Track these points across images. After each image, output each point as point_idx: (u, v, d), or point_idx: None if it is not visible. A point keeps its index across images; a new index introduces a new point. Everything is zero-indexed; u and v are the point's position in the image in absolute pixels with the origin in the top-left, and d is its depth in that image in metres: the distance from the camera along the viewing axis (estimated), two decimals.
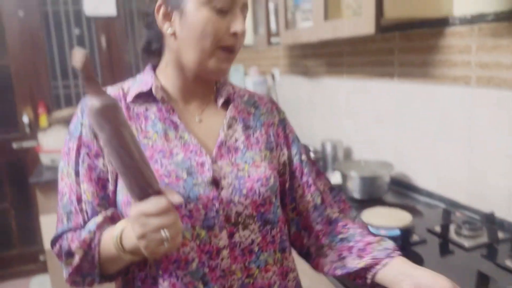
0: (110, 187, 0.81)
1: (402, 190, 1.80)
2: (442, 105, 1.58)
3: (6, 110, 3.04)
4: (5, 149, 3.05)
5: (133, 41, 3.26)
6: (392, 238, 1.30)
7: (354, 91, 2.11)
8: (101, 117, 0.64)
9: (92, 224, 0.78)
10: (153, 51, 0.87)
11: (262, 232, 0.84)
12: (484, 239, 1.29)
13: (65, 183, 0.81)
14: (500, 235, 1.29)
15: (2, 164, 3.06)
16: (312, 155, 2.34)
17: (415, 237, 1.33)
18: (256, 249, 0.83)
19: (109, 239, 0.74)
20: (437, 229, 1.37)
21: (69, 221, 0.80)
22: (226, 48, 0.81)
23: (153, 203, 0.65)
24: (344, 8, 1.65)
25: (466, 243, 1.27)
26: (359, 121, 2.10)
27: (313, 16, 1.79)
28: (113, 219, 0.79)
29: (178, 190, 0.76)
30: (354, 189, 1.72)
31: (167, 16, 0.81)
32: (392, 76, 1.83)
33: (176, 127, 0.83)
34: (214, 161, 0.82)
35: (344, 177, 1.75)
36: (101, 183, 0.81)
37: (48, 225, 2.44)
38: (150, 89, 0.84)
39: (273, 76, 3.03)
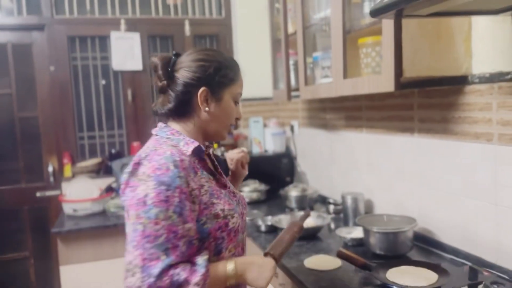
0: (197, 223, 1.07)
1: (426, 247, 1.77)
2: (465, 162, 1.58)
3: (33, 160, 3.13)
4: (29, 197, 3.11)
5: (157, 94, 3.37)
6: None
7: (374, 145, 2.13)
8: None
9: (202, 260, 1.02)
10: (176, 115, 1.17)
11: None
12: None
13: (162, 226, 0.98)
14: None
15: (25, 212, 3.11)
16: (332, 207, 2.33)
17: None
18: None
19: (218, 275, 1.06)
20: None
21: (168, 256, 0.98)
22: (231, 124, 1.23)
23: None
24: (363, 67, 1.70)
25: None
26: (380, 175, 2.10)
27: (332, 73, 1.85)
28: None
29: (238, 212, 1.17)
30: (377, 244, 1.69)
31: (206, 99, 1.15)
32: (412, 131, 1.85)
33: (213, 171, 1.20)
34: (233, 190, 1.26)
35: (367, 231, 1.73)
36: (195, 220, 1.05)
37: (68, 275, 2.44)
38: (199, 146, 1.13)
39: (292, 128, 3.08)
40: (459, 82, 1.56)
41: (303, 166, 2.97)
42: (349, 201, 2.13)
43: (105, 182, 2.91)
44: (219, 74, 1.15)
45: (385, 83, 1.48)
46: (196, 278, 0.99)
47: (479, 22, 1.47)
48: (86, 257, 2.48)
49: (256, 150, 3.18)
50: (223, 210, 1.11)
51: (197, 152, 1.13)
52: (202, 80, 1.14)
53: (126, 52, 3.15)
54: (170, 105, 1.15)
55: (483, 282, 1.32)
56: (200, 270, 1.00)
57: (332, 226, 2.17)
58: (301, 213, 2.05)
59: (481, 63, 1.48)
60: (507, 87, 1.38)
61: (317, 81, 2.12)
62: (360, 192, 2.19)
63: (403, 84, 1.47)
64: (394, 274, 1.34)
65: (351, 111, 2.31)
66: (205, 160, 1.18)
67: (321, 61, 2.06)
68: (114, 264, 2.51)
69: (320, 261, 1.66)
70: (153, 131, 1.18)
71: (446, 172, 1.67)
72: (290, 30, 2.34)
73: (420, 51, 1.46)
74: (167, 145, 1.09)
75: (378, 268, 1.39)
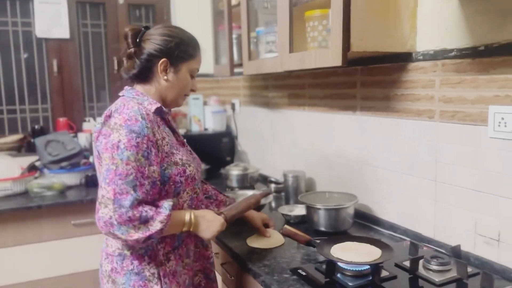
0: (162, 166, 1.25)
1: (365, 223, 1.79)
2: (407, 139, 1.59)
3: None
4: None
5: (87, 64, 3.12)
6: (363, 275, 1.27)
7: (316, 123, 2.11)
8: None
9: (168, 205, 1.19)
10: (140, 79, 1.34)
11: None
12: (453, 273, 1.28)
13: (132, 166, 1.14)
14: (468, 269, 1.28)
15: None
16: (273, 186, 2.30)
17: (384, 273, 1.30)
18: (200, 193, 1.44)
19: (177, 220, 1.25)
20: (406, 264, 1.35)
21: (136, 191, 1.14)
22: (185, 95, 1.40)
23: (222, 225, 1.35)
24: (309, 41, 1.65)
25: (436, 278, 1.25)
26: (321, 153, 2.09)
27: (278, 48, 1.78)
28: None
29: (196, 167, 1.36)
30: (319, 221, 1.68)
31: (165, 69, 1.32)
32: (354, 109, 1.85)
33: (173, 130, 1.39)
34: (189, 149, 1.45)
35: (309, 209, 1.71)
36: (159, 164, 1.23)
37: None
38: (161, 106, 1.32)
39: (233, 106, 3.00)
40: (404, 59, 1.56)
41: (244, 145, 2.91)
42: (290, 180, 2.11)
43: (27, 160, 2.66)
44: (180, 49, 1.32)
45: (333, 58, 1.44)
46: (161, 217, 1.16)
47: (424, 0, 1.47)
48: (7, 241, 2.26)
49: (196, 128, 3.06)
50: (181, 159, 1.29)
51: (159, 112, 1.30)
52: (164, 52, 1.30)
53: (52, 18, 2.86)
54: (134, 71, 1.32)
55: (424, 256, 1.34)
56: (165, 212, 1.17)
57: (273, 204, 2.14)
58: (249, 192, 2.03)
59: (425, 40, 1.49)
60: (450, 64, 1.40)
61: (261, 56, 2.05)
62: (301, 170, 2.17)
63: (350, 59, 1.43)
64: (338, 250, 1.33)
65: (294, 89, 2.27)
66: (166, 119, 1.36)
67: (265, 36, 1.99)
68: (39, 249, 2.31)
69: (263, 239, 1.62)
70: (120, 93, 1.35)
71: (387, 149, 1.69)
72: (234, 1, 2.24)
73: (368, 26, 1.43)
74: (134, 102, 1.25)
75: (322, 245, 1.37)
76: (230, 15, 2.19)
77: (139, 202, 1.14)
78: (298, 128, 2.27)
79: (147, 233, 1.13)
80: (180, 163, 1.28)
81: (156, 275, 1.25)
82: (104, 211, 1.11)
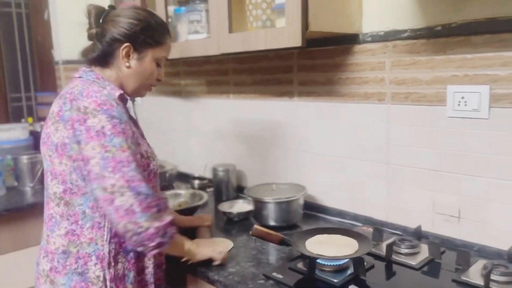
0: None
1: (312, 213, 1.72)
2: (354, 123, 1.56)
3: None
4: None
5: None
6: (342, 269, 1.20)
7: (245, 112, 1.97)
8: None
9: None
10: (100, 63, 1.20)
11: None
12: (424, 254, 1.28)
13: (129, 153, 1.06)
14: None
15: None
16: (197, 183, 2.11)
17: None
18: None
19: (179, 241, 1.25)
20: (376, 251, 1.31)
21: (143, 181, 1.06)
22: (150, 85, 1.27)
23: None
24: (251, 20, 1.51)
25: (413, 262, 1.24)
26: (252, 143, 1.97)
27: (211, 28, 1.59)
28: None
29: (155, 162, 1.24)
30: (269, 215, 1.56)
31: (128, 55, 1.18)
32: (291, 95, 1.76)
33: (134, 121, 1.26)
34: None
35: (258, 203, 1.58)
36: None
37: None
38: (123, 93, 1.18)
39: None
40: (349, 41, 1.52)
41: (149, 140, 2.61)
42: (220, 174, 1.94)
43: None
44: (145, 34, 1.18)
45: (289, 38, 1.32)
46: (168, 214, 1.12)
47: None
48: None
49: None
50: (146, 151, 1.19)
51: (121, 99, 1.16)
52: (127, 37, 1.17)
53: None
54: (94, 54, 1.19)
55: (394, 240, 1.33)
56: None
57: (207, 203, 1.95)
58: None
59: (373, 21, 1.46)
60: (402, 46, 1.39)
61: (182, 37, 1.83)
62: (231, 163, 2.02)
63: (307, 39, 1.33)
64: (314, 246, 1.23)
65: (215, 75, 2.10)
66: (127, 108, 1.21)
67: (188, 15, 1.77)
68: None
69: (211, 246, 1.43)
70: (76, 74, 1.20)
71: (331, 135, 1.64)
72: None
73: (323, 5, 1.34)
74: (96, 85, 1.13)
75: (297, 242, 1.25)
76: None
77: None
78: (222, 117, 2.11)
79: (164, 223, 1.08)
80: (145, 156, 1.18)
81: (101, 278, 1.12)
82: (123, 199, 1.03)
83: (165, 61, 1.28)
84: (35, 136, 2.39)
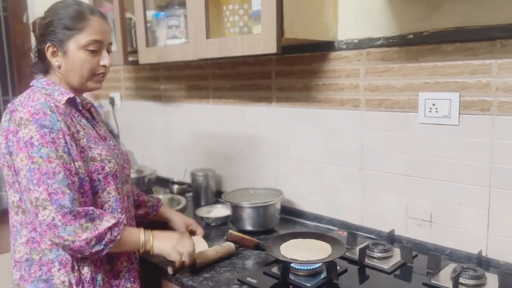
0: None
1: (289, 217, 1.74)
2: (330, 129, 1.58)
3: None
4: None
5: None
6: (315, 273, 1.21)
7: (224, 117, 1.98)
8: None
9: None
10: (42, 71, 1.21)
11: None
12: (397, 258, 1.30)
13: (57, 164, 1.04)
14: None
15: None
16: (176, 188, 2.10)
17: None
18: (130, 194, 1.34)
19: (131, 238, 1.16)
20: (349, 255, 1.33)
21: (71, 191, 1.05)
22: (98, 74, 1.21)
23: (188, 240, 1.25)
24: (228, 26, 1.51)
25: (385, 265, 1.26)
26: (232, 147, 1.97)
27: (189, 33, 1.60)
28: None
29: (116, 160, 1.22)
30: (247, 220, 1.57)
31: (54, 53, 1.16)
32: (270, 100, 1.77)
33: (92, 123, 1.25)
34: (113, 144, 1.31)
35: (235, 208, 1.58)
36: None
37: None
38: (74, 97, 1.18)
39: (111, 101, 2.66)
40: (325, 48, 1.54)
41: (128, 144, 2.61)
42: (200, 179, 1.94)
43: None
44: (58, 26, 1.15)
45: (265, 45, 1.33)
46: (109, 217, 1.11)
47: None
48: None
49: None
50: (100, 154, 1.17)
51: (72, 103, 1.18)
52: (45, 36, 1.16)
53: None
54: (33, 62, 1.22)
55: (368, 245, 1.34)
56: (116, 216, 1.16)
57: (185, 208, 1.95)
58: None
59: (348, 29, 1.48)
60: (376, 53, 1.42)
61: (161, 42, 1.83)
62: (210, 168, 2.02)
63: (284, 46, 1.35)
64: (288, 250, 1.24)
65: (195, 80, 2.10)
66: (82, 111, 1.22)
67: (166, 19, 1.77)
68: None
69: None
70: (31, 83, 1.20)
71: (308, 140, 1.66)
72: None
73: (299, 12, 1.36)
74: (41, 93, 1.12)
75: (271, 247, 1.26)
76: None
77: (79, 202, 1.06)
78: (201, 122, 2.11)
79: (96, 232, 1.05)
80: (99, 159, 1.16)
81: (66, 283, 1.12)
82: (45, 213, 1.02)
83: (109, 45, 1.23)
84: None
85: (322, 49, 1.54)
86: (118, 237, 1.10)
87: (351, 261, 1.31)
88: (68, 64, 1.16)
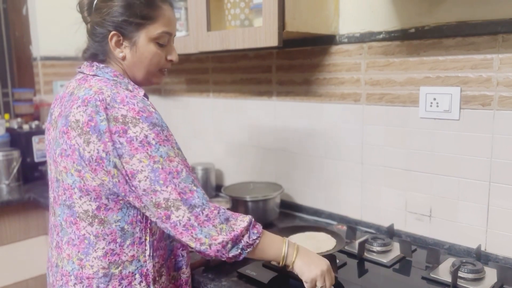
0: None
1: (288, 211, 1.74)
2: (330, 123, 1.58)
3: None
4: None
5: None
6: None
7: (224, 111, 1.98)
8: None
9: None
10: (99, 60, 1.07)
11: None
12: (396, 252, 1.31)
13: (177, 162, 0.96)
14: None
15: None
16: None
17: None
18: None
19: (273, 246, 1.04)
20: (349, 249, 1.33)
21: (197, 187, 0.97)
22: (163, 69, 1.11)
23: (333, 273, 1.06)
24: (230, 19, 1.51)
25: (384, 259, 1.26)
26: (231, 142, 1.97)
27: (190, 25, 1.59)
28: None
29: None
30: (247, 214, 1.56)
31: (119, 43, 1.04)
32: (270, 94, 1.77)
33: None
34: None
35: (236, 201, 1.58)
36: None
37: None
38: (145, 93, 1.06)
39: None
40: (326, 42, 1.54)
41: None
42: (200, 173, 1.95)
43: None
44: (129, 13, 1.01)
45: (266, 38, 1.33)
46: (244, 217, 1.01)
47: None
48: None
49: None
50: (179, 149, 1.06)
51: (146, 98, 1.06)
52: (111, 24, 1.02)
53: None
54: (89, 52, 1.07)
55: (367, 238, 1.35)
56: (249, 217, 1.02)
57: None
58: None
59: (349, 22, 1.48)
60: (377, 47, 1.41)
61: None
62: (210, 162, 2.02)
63: (284, 40, 1.34)
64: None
65: (195, 74, 2.10)
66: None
67: None
68: None
69: None
70: (86, 70, 1.06)
71: (309, 134, 1.66)
72: None
73: (300, 5, 1.36)
74: (122, 87, 1.01)
75: None
76: None
77: (207, 198, 0.98)
78: (201, 116, 2.11)
79: (232, 234, 0.96)
80: (180, 153, 1.07)
81: None
82: (179, 214, 0.94)
83: (174, 37, 1.11)
84: (12, 133, 2.34)
85: (323, 42, 1.54)
86: (257, 241, 1.00)
87: (350, 254, 1.31)
88: (136, 56, 1.04)
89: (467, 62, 1.23)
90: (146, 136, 0.94)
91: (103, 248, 1.00)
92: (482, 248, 1.26)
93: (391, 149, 1.43)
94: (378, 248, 1.31)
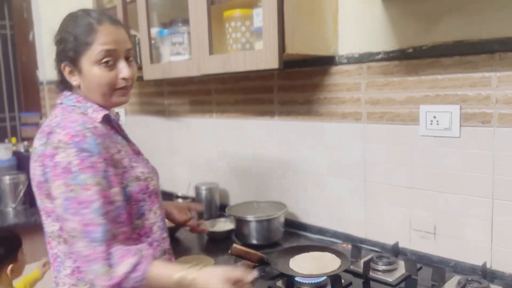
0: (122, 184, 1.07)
1: (293, 230, 1.74)
2: (332, 142, 1.59)
3: None
4: None
5: None
6: (320, 286, 1.21)
7: (227, 131, 2.00)
8: None
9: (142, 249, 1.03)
10: (65, 88, 1.14)
11: None
12: (401, 271, 1.30)
13: (93, 192, 0.97)
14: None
15: None
16: (180, 201, 2.11)
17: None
18: None
19: (163, 274, 1.00)
20: (354, 268, 1.33)
21: (105, 220, 0.98)
22: (121, 88, 1.10)
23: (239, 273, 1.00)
24: (231, 43, 1.54)
25: (389, 278, 1.26)
26: (236, 161, 1.99)
27: (192, 49, 1.62)
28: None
29: (155, 181, 1.17)
30: (251, 234, 1.58)
31: (72, 73, 1.09)
32: (272, 114, 1.79)
33: (127, 138, 1.20)
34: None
35: (239, 221, 1.59)
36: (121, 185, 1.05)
37: None
38: (108, 114, 1.10)
39: (116, 116, 2.68)
40: (326, 63, 1.56)
41: None
42: (204, 193, 1.96)
43: None
44: (69, 44, 1.07)
45: (267, 60, 1.35)
46: (132, 258, 0.99)
47: (346, 3, 1.49)
48: None
49: None
50: (143, 172, 1.12)
51: (107, 119, 1.10)
52: (61, 56, 1.10)
53: None
54: (60, 83, 1.14)
55: (372, 257, 1.35)
56: (146, 251, 1.03)
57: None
58: None
59: (348, 43, 1.50)
60: (376, 67, 1.44)
61: (164, 59, 1.86)
62: (214, 182, 2.03)
63: (285, 61, 1.37)
64: (293, 264, 1.24)
65: (198, 95, 2.12)
66: (116, 128, 1.15)
67: (170, 36, 1.80)
68: None
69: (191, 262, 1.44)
70: (58, 100, 1.14)
71: (311, 153, 1.67)
72: None
73: (299, 28, 1.38)
74: (77, 113, 1.07)
75: (276, 261, 1.27)
76: (125, 12, 1.93)
77: (112, 234, 0.98)
78: (204, 136, 2.13)
79: (112, 281, 0.95)
80: (142, 178, 1.10)
81: None
82: (79, 245, 0.97)
83: (127, 51, 1.10)
84: (18, 157, 2.38)
85: (323, 63, 1.57)
86: (142, 282, 0.98)
87: (355, 274, 1.31)
88: (86, 82, 1.08)
89: (465, 81, 1.25)
90: (69, 163, 0.97)
91: (70, 266, 1.06)
92: (488, 266, 1.25)
93: (394, 167, 1.43)
94: (383, 267, 1.31)
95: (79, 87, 1.09)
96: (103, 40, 1.05)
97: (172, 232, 1.66)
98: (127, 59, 1.11)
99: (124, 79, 1.09)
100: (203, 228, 1.47)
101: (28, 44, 2.68)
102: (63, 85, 1.13)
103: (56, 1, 2.70)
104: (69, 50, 1.07)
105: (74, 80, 1.09)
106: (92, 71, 1.06)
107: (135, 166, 1.10)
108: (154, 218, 1.13)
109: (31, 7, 2.74)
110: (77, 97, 1.10)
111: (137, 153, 1.21)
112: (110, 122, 1.12)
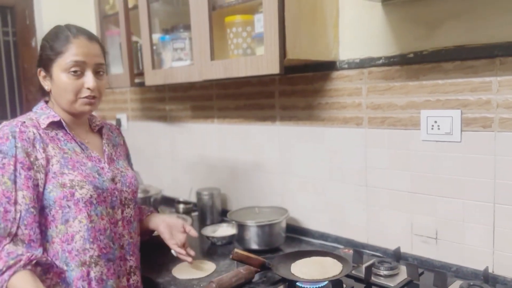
0: (40, 190, 1.12)
1: (294, 235, 1.74)
2: (334, 147, 1.60)
3: None
4: None
5: None
6: None
7: (229, 136, 2.01)
8: None
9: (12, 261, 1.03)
10: (45, 95, 1.27)
11: (135, 209, 1.32)
12: (403, 276, 1.30)
13: None
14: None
15: None
16: (182, 207, 2.11)
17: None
18: (132, 220, 1.30)
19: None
20: (355, 273, 1.33)
21: (1, 217, 1.06)
22: (85, 97, 1.19)
23: None
24: (232, 48, 1.55)
25: (391, 283, 1.26)
26: (236, 167, 1.99)
27: (194, 55, 1.63)
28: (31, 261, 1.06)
29: (96, 185, 1.18)
30: (252, 239, 1.57)
31: (45, 78, 1.22)
32: (274, 119, 1.80)
33: (81, 145, 1.23)
34: (108, 167, 1.26)
35: (241, 226, 1.59)
36: (35, 189, 1.11)
37: None
38: (59, 120, 1.20)
39: (118, 122, 2.70)
40: (327, 68, 1.57)
41: (135, 165, 2.62)
42: (205, 198, 1.96)
43: None
44: (46, 51, 1.19)
45: (268, 65, 1.36)
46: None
47: (346, 9, 1.50)
48: None
49: None
50: (71, 180, 1.15)
51: (55, 125, 1.20)
52: (38, 62, 1.22)
53: None
54: (42, 90, 1.25)
55: (374, 263, 1.34)
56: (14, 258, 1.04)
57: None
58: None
59: (349, 49, 1.51)
60: (377, 72, 1.44)
61: (166, 64, 1.87)
62: (215, 187, 2.04)
63: (286, 66, 1.37)
64: (294, 269, 1.24)
65: (199, 101, 2.13)
66: (70, 134, 1.22)
67: (172, 42, 1.81)
68: None
69: (192, 268, 1.44)
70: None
71: (313, 158, 1.67)
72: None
73: (300, 33, 1.39)
74: (25, 117, 1.19)
75: (277, 265, 1.27)
76: (127, 18, 1.95)
77: (6, 234, 1.05)
78: (206, 142, 2.13)
79: None
80: (69, 185, 1.13)
81: None
82: None
83: (97, 65, 1.20)
84: None
85: (324, 68, 1.57)
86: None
87: (357, 279, 1.30)
88: (55, 87, 1.19)
89: (466, 85, 1.25)
90: None
91: None
92: (490, 270, 1.25)
93: (395, 172, 1.43)
94: (385, 272, 1.31)
95: (50, 91, 1.22)
96: (74, 51, 1.16)
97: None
98: (97, 73, 1.20)
99: (88, 88, 1.18)
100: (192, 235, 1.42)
101: (30, 51, 2.69)
102: (41, 91, 1.25)
103: (59, 8, 2.72)
104: (45, 57, 1.19)
105: (46, 85, 1.22)
106: (60, 77, 1.17)
107: (66, 173, 1.14)
108: (78, 227, 1.14)
109: (34, 14, 2.75)
110: (41, 105, 1.24)
111: (97, 160, 1.24)
112: (59, 128, 1.21)
